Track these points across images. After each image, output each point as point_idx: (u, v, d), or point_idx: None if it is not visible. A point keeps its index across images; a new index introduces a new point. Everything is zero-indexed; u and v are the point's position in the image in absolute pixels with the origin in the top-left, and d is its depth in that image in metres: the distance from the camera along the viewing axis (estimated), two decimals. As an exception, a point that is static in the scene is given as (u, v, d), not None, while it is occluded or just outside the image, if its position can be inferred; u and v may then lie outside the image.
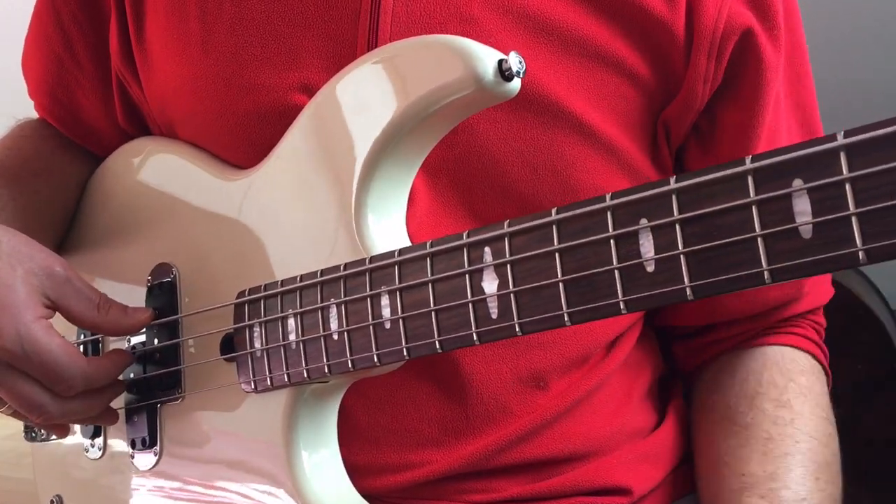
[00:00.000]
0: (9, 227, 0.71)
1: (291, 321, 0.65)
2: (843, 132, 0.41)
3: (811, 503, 0.72)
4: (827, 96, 0.85)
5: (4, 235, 0.69)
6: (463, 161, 0.71)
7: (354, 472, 0.69)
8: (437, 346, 0.56)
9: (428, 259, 0.56)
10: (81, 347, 0.84)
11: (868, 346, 1.40)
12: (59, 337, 0.68)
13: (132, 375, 0.77)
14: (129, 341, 0.79)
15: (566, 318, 0.51)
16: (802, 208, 0.42)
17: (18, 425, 0.84)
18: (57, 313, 0.70)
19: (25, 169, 0.87)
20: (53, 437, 0.87)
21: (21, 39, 0.92)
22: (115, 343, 0.81)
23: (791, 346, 0.81)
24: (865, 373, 1.40)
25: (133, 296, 0.78)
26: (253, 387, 0.68)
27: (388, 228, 0.65)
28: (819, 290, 0.82)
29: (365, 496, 0.68)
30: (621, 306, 0.48)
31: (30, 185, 0.85)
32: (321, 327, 0.63)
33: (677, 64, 0.71)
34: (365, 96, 0.64)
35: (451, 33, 0.66)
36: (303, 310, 0.64)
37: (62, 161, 0.90)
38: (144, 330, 0.77)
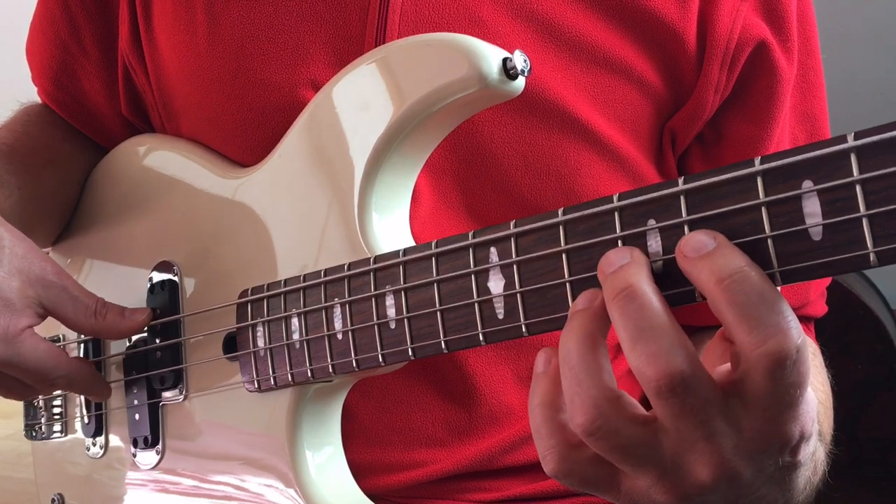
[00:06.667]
0: (9, 221, 0.72)
1: (295, 320, 0.64)
2: (853, 134, 0.41)
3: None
4: (836, 98, 0.85)
5: (8, 239, 0.70)
6: (467, 163, 0.71)
7: (358, 471, 0.69)
8: (443, 346, 0.56)
9: (433, 259, 0.56)
10: (82, 347, 0.83)
11: (868, 346, 1.41)
12: (44, 343, 0.70)
13: (134, 374, 0.77)
14: (130, 339, 0.79)
15: (573, 319, 0.50)
16: (813, 210, 0.42)
17: (18, 425, 0.84)
18: None
19: (34, 157, 0.86)
20: (54, 435, 0.87)
21: (17, 40, 0.92)
22: (116, 342, 0.81)
23: None
24: (865, 373, 1.40)
25: (134, 294, 0.78)
26: (256, 386, 0.67)
27: (391, 227, 0.65)
28: (818, 303, 0.81)
29: (369, 495, 0.68)
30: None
31: (37, 174, 0.85)
32: (325, 327, 0.62)
33: (687, 73, 0.71)
34: (368, 94, 0.64)
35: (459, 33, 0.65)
36: (306, 309, 0.63)
37: (69, 151, 0.89)
38: (146, 327, 0.76)
